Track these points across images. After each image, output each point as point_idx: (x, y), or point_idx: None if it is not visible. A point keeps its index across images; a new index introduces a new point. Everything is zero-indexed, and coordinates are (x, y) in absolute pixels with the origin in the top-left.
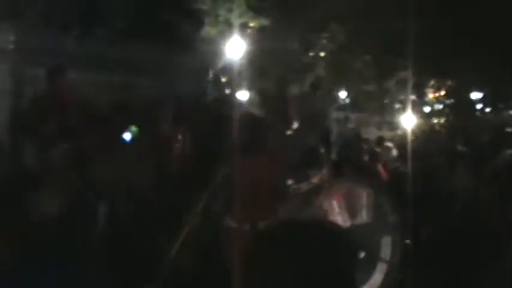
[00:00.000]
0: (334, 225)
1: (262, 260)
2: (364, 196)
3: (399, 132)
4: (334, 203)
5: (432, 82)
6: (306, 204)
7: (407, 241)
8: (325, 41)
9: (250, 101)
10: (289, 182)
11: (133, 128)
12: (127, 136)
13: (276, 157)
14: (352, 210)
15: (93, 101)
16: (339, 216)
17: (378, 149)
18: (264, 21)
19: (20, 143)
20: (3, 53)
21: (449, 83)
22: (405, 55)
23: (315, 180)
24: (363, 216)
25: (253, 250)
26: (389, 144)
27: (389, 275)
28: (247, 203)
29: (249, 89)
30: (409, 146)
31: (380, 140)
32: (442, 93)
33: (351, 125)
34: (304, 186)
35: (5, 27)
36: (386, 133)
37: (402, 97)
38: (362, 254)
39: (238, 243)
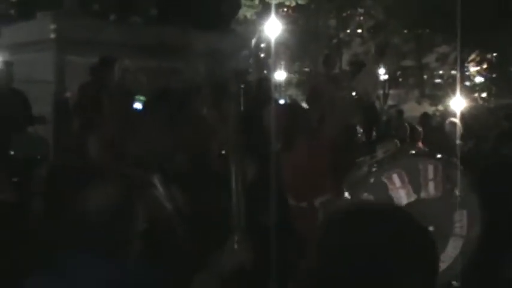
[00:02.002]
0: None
1: (328, 242)
2: (430, 170)
3: (440, 107)
4: (396, 177)
5: (473, 56)
6: (366, 178)
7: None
8: (362, 18)
9: (289, 81)
10: (349, 158)
11: (141, 97)
12: (137, 105)
13: (328, 137)
14: (417, 184)
15: (141, 88)
16: (401, 190)
17: (418, 126)
18: (300, 0)
19: (65, 133)
20: (44, 43)
21: (490, 56)
22: (445, 29)
23: (378, 154)
24: (431, 191)
25: (321, 231)
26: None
27: (464, 250)
28: (305, 183)
29: (287, 69)
30: (455, 122)
31: (425, 116)
32: (484, 67)
33: (390, 102)
34: (366, 161)
35: (45, 17)
36: (427, 109)
37: (442, 72)
38: (430, 229)
39: (303, 222)
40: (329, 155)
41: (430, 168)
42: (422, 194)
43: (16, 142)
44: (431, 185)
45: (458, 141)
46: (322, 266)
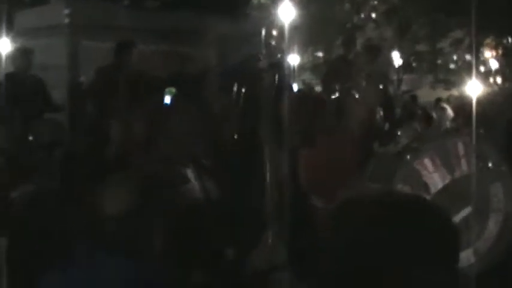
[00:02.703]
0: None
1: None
2: (460, 147)
3: (454, 92)
4: (428, 162)
5: (488, 41)
6: (397, 166)
7: None
8: (376, 2)
9: (302, 65)
10: (374, 145)
11: (171, 90)
12: (167, 99)
13: (349, 127)
14: (449, 165)
15: (157, 72)
16: (435, 174)
17: (433, 112)
18: None
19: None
20: (57, 28)
21: (506, 41)
22: (459, 13)
23: (402, 140)
24: (464, 168)
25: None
26: (444, 105)
27: (506, 224)
28: (329, 180)
29: (302, 53)
30: (467, 107)
31: (437, 102)
32: (499, 52)
33: (404, 87)
34: (392, 148)
35: (58, 2)
36: (441, 94)
37: (456, 57)
38: (469, 209)
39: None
40: (353, 146)
41: (460, 145)
42: (456, 174)
43: (35, 128)
44: (463, 163)
45: (447, 125)
46: (342, 260)
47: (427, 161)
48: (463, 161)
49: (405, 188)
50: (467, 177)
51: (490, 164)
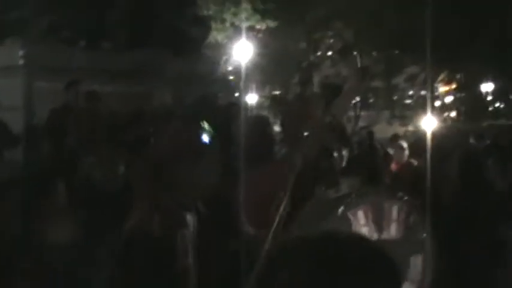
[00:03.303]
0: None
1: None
2: (394, 211)
3: (410, 128)
4: (361, 214)
5: (442, 76)
6: (331, 212)
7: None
8: (331, 40)
9: (260, 104)
10: (315, 188)
11: (207, 127)
12: (205, 138)
13: (294, 162)
14: (379, 224)
15: (110, 112)
16: (365, 228)
17: (391, 148)
18: (271, 24)
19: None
20: (13, 69)
21: (459, 76)
22: (414, 49)
23: (342, 187)
24: (392, 233)
25: (274, 261)
26: (403, 143)
27: None
28: (263, 210)
29: (259, 92)
30: (423, 142)
31: (395, 138)
32: (453, 86)
33: (361, 123)
34: (331, 194)
35: (14, 43)
36: (398, 129)
37: (412, 92)
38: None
39: (258, 251)
40: (295, 179)
41: (395, 209)
42: (383, 235)
43: None
44: (393, 227)
45: (404, 162)
46: None
47: (360, 213)
48: (393, 226)
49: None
50: (392, 242)
51: (416, 234)
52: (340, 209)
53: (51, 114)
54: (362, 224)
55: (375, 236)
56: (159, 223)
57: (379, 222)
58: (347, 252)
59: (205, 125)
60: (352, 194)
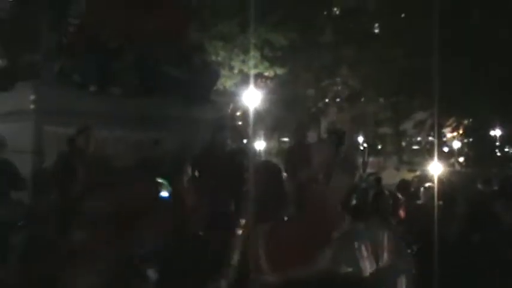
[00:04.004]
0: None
1: None
2: (385, 239)
3: (418, 173)
4: (363, 248)
5: (450, 121)
6: (340, 251)
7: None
8: (339, 87)
9: (268, 150)
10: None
11: (163, 182)
12: (164, 193)
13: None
14: (376, 254)
15: (119, 158)
16: (367, 260)
17: (399, 194)
18: (278, 70)
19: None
20: (23, 113)
21: (467, 121)
22: (421, 96)
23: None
24: (384, 259)
25: None
26: (430, 184)
27: None
28: (281, 258)
29: (267, 138)
30: (432, 188)
31: (403, 183)
32: (461, 132)
33: (369, 170)
34: (335, 234)
35: (24, 87)
36: (406, 175)
37: (419, 138)
38: None
39: None
40: (311, 233)
41: (385, 237)
42: (379, 263)
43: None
44: (385, 254)
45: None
46: None
47: (363, 248)
48: (385, 253)
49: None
50: (385, 268)
51: (401, 257)
52: (356, 243)
53: (60, 157)
54: (365, 257)
55: (374, 266)
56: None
57: (375, 252)
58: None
59: (163, 181)
60: (356, 228)
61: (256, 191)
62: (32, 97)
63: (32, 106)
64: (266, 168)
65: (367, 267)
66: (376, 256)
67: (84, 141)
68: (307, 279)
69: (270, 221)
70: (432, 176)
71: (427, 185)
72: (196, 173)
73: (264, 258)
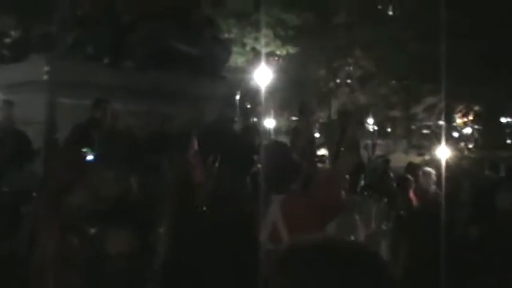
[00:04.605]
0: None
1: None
2: (373, 210)
3: (427, 158)
4: (357, 218)
5: (461, 107)
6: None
7: None
8: (351, 68)
9: (278, 129)
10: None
11: (87, 149)
12: (89, 157)
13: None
14: (368, 223)
15: (133, 131)
16: (362, 229)
17: (409, 176)
18: (291, 49)
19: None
20: (37, 84)
21: (478, 108)
22: (433, 80)
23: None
24: (373, 226)
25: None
26: (429, 169)
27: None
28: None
29: (277, 116)
30: (439, 172)
31: (411, 166)
32: (471, 118)
33: (378, 152)
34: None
35: (38, 58)
36: (414, 159)
37: (430, 123)
38: None
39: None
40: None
41: (373, 208)
42: (369, 230)
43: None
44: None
45: (433, 190)
46: None
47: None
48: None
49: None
50: (372, 234)
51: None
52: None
53: (75, 129)
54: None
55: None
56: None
57: (367, 221)
58: (345, 253)
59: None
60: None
61: (270, 166)
62: (46, 68)
63: (45, 77)
64: (279, 146)
65: (361, 233)
66: (368, 224)
67: (101, 113)
68: (314, 244)
69: (283, 194)
70: (440, 160)
71: (426, 169)
72: (203, 148)
73: (282, 227)
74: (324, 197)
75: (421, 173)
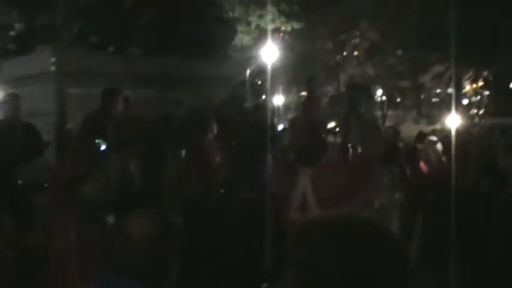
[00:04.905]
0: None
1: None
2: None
3: (438, 127)
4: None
5: (469, 74)
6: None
7: None
8: (357, 40)
9: (287, 105)
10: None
11: (100, 141)
12: (103, 147)
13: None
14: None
15: (142, 116)
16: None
17: (419, 145)
18: (296, 25)
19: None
20: (44, 75)
21: (486, 73)
22: (440, 48)
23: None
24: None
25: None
26: (433, 138)
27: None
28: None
29: (285, 93)
30: (450, 141)
31: (421, 135)
32: (480, 84)
33: (388, 123)
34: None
35: (44, 50)
36: (424, 128)
37: (438, 91)
38: None
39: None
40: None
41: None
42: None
43: (24, 172)
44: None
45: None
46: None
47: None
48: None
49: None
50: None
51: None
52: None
53: (87, 119)
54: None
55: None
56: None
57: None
58: (361, 231)
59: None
60: None
61: (301, 140)
62: (52, 59)
63: (52, 68)
64: (309, 121)
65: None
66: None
67: (112, 102)
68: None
69: (313, 165)
70: (450, 129)
71: (431, 138)
72: (216, 130)
73: (313, 197)
74: (355, 164)
75: (426, 142)
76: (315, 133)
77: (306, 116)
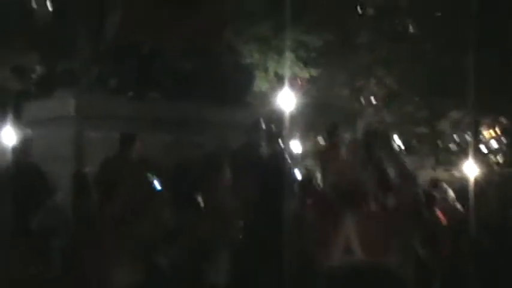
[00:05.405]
0: None
1: None
2: None
3: (456, 174)
4: None
5: (487, 121)
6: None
7: None
8: (374, 87)
9: (305, 152)
10: None
11: (150, 175)
12: (157, 185)
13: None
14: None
15: (159, 161)
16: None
17: (433, 192)
18: (313, 72)
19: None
20: (64, 119)
21: (504, 120)
22: (457, 94)
23: None
24: None
25: None
26: (445, 185)
27: None
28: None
29: (303, 140)
30: (468, 188)
31: (435, 182)
32: (498, 131)
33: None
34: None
35: (63, 94)
36: (442, 175)
37: (456, 137)
38: None
39: None
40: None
41: None
42: None
43: (36, 216)
44: None
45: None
46: None
47: None
48: None
49: None
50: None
51: None
52: None
53: (105, 163)
54: None
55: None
56: None
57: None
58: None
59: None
60: None
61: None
62: (72, 103)
63: (71, 112)
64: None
65: None
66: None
67: (131, 146)
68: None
69: (358, 210)
70: (467, 175)
71: (441, 184)
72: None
73: (357, 242)
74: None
75: (438, 189)
76: (357, 178)
77: (344, 162)
